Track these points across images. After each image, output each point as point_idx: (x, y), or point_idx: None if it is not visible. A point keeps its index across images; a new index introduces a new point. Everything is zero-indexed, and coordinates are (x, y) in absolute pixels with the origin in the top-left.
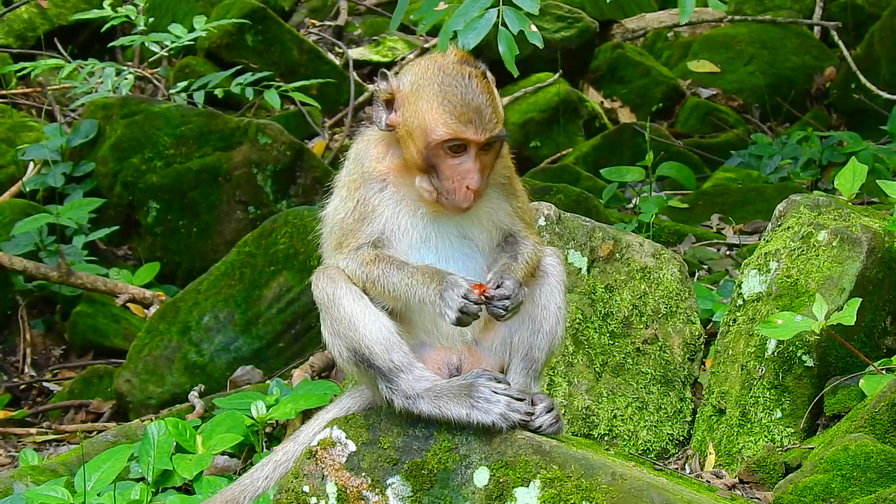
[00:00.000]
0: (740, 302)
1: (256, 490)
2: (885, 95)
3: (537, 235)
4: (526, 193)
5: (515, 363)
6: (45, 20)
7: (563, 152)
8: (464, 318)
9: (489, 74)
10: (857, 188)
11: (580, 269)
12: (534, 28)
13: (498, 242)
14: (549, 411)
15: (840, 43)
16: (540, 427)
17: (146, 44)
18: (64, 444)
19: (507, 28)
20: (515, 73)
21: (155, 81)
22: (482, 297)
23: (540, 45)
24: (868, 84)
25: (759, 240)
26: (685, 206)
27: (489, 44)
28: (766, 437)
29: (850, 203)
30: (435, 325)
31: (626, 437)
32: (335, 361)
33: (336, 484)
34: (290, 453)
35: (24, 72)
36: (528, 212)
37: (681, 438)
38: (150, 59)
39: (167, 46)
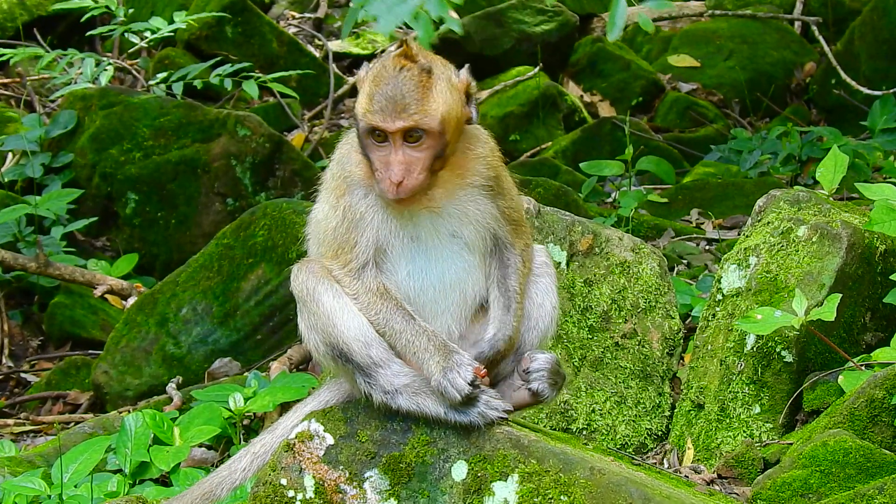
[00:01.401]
0: (719, 297)
1: (234, 482)
2: (865, 91)
3: (527, 234)
4: (516, 191)
5: (506, 360)
6: (25, 10)
7: (543, 146)
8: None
9: (436, 70)
10: (839, 181)
11: (559, 263)
12: (454, 15)
13: (489, 244)
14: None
15: (820, 38)
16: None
17: (126, 35)
18: (41, 436)
19: (427, 14)
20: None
21: (134, 73)
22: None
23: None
24: (848, 80)
25: (739, 235)
26: (664, 200)
27: (469, 37)
28: (744, 432)
29: (830, 198)
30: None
31: (604, 431)
32: (312, 355)
33: (314, 477)
34: (268, 445)
35: (3, 58)
36: (518, 211)
37: (659, 433)
38: (130, 51)
39: (147, 38)
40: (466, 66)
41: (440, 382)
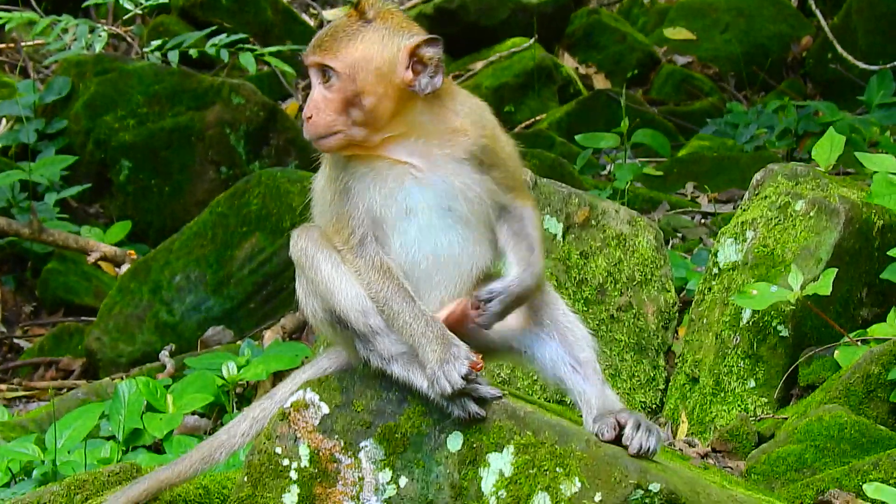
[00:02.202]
0: (716, 271)
1: (233, 446)
2: (862, 66)
3: (530, 195)
4: (517, 161)
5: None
6: None
7: (538, 118)
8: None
9: (377, 24)
10: (835, 160)
11: (555, 234)
12: None
13: (489, 213)
14: (637, 428)
15: (817, 12)
16: (640, 449)
17: (120, 1)
18: (34, 401)
19: None
20: None
21: (129, 39)
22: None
23: None
24: (845, 54)
25: (734, 208)
26: (660, 173)
27: (465, 7)
28: (739, 406)
29: (827, 173)
30: (418, 293)
31: None
32: (308, 321)
33: (308, 446)
34: (267, 410)
35: None
36: (519, 178)
37: (653, 406)
38: (125, 17)
39: (141, 4)
40: (439, 39)
41: (434, 372)
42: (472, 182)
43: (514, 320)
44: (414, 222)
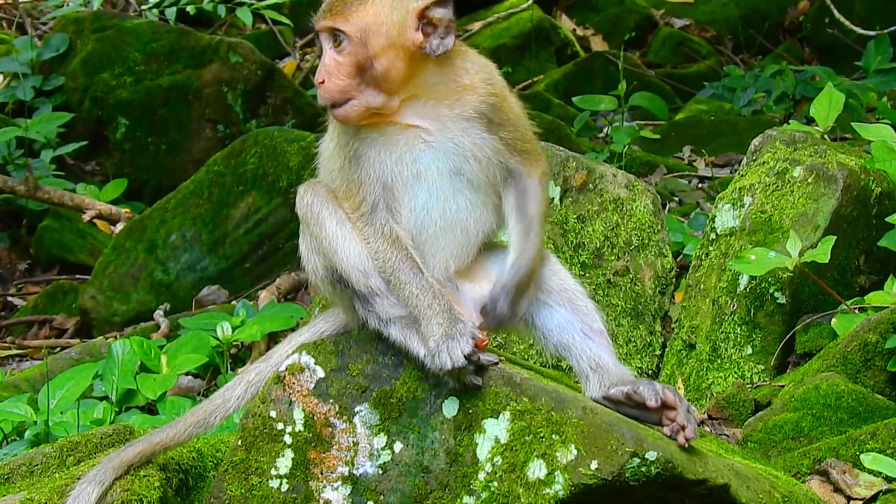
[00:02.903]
0: (713, 236)
1: (228, 410)
2: (859, 31)
3: (543, 163)
4: (525, 120)
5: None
6: None
7: (535, 79)
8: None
9: None
10: (834, 118)
11: (553, 198)
12: None
13: (496, 174)
14: (688, 411)
15: None
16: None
17: None
18: (27, 360)
19: None
20: None
21: None
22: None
23: None
24: (842, 19)
25: (731, 172)
26: (657, 136)
27: None
28: (736, 373)
29: (825, 137)
30: (423, 259)
31: None
32: (308, 278)
33: (303, 410)
34: (262, 374)
35: None
36: (529, 141)
37: (650, 372)
38: None
39: None
40: (449, 0)
41: (437, 346)
42: (481, 142)
43: None
44: (424, 186)
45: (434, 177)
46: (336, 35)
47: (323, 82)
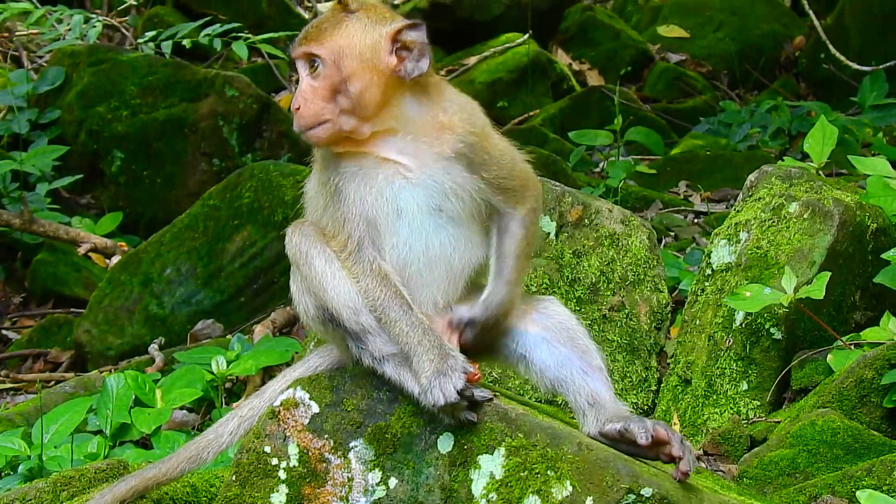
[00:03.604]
0: (709, 272)
1: (221, 445)
2: (855, 66)
3: (532, 198)
4: (511, 157)
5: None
6: None
7: (531, 113)
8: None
9: (361, 14)
10: (828, 153)
11: (548, 233)
12: None
13: (481, 211)
14: (682, 443)
15: (810, 12)
16: (688, 471)
17: None
18: (21, 394)
19: None
20: None
21: (123, 30)
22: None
23: None
24: (837, 54)
25: (727, 208)
26: (653, 171)
27: (459, 2)
28: (731, 409)
29: (820, 173)
30: (411, 294)
31: None
32: (300, 318)
33: (298, 445)
34: (256, 409)
35: None
36: (515, 178)
37: (645, 408)
38: (119, 8)
39: None
40: (421, 23)
41: (429, 382)
42: (462, 181)
43: (513, 320)
44: (405, 222)
45: (415, 213)
46: (312, 61)
47: (298, 108)
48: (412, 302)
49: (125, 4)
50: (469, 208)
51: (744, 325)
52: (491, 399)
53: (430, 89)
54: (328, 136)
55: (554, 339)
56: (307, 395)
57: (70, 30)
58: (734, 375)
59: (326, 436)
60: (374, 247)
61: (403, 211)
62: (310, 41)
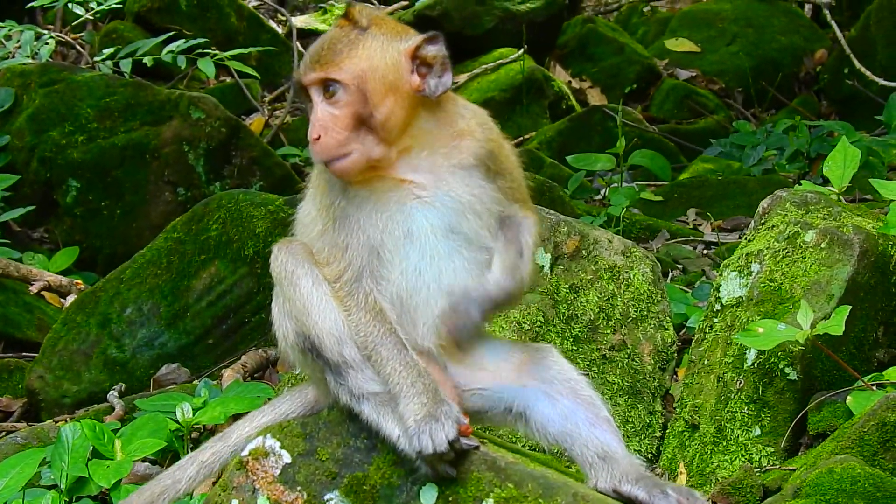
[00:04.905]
0: (718, 307)
1: (178, 492)
2: (881, 82)
3: (535, 213)
4: (520, 171)
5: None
6: None
7: (526, 136)
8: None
9: (373, 31)
10: (850, 177)
11: (542, 266)
12: None
13: (493, 226)
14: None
15: (833, 23)
16: None
17: (69, 6)
18: None
19: None
20: None
21: (78, 47)
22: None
23: None
24: (863, 69)
25: (740, 238)
26: (659, 198)
27: (447, 14)
28: (743, 456)
29: (841, 199)
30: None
31: None
32: (279, 345)
33: (269, 499)
34: (218, 454)
35: None
36: (524, 190)
37: (649, 455)
38: (74, 23)
39: (92, 9)
40: (439, 35)
41: (419, 426)
42: (480, 192)
43: (510, 375)
44: (416, 246)
45: (427, 235)
46: (329, 86)
47: (318, 138)
48: (407, 342)
49: (80, 19)
50: (486, 225)
51: (756, 365)
52: (477, 447)
53: (443, 100)
54: (358, 167)
55: (554, 392)
56: (278, 444)
57: (20, 47)
58: (746, 420)
59: (299, 488)
60: (372, 279)
61: (414, 233)
62: (325, 65)
